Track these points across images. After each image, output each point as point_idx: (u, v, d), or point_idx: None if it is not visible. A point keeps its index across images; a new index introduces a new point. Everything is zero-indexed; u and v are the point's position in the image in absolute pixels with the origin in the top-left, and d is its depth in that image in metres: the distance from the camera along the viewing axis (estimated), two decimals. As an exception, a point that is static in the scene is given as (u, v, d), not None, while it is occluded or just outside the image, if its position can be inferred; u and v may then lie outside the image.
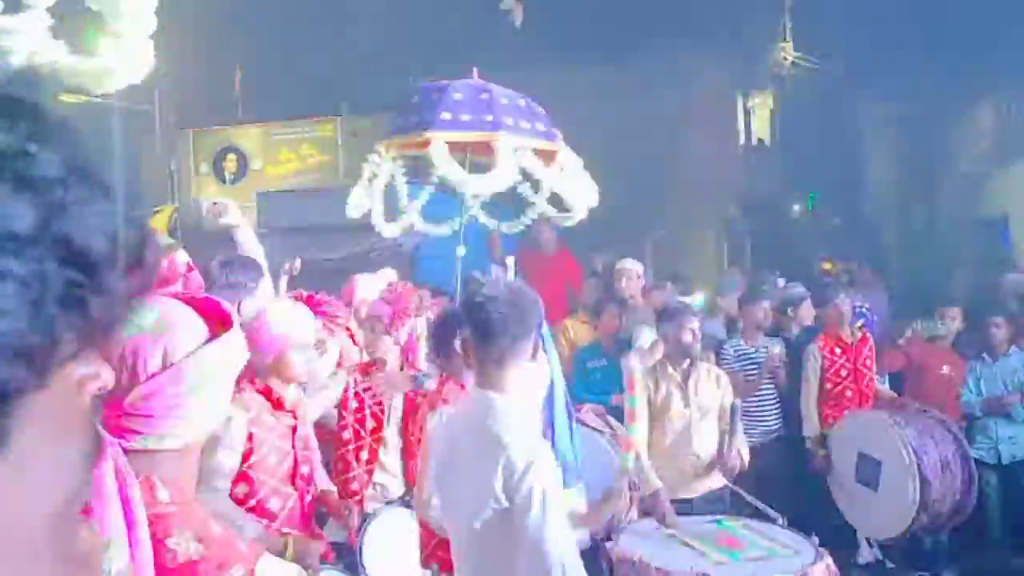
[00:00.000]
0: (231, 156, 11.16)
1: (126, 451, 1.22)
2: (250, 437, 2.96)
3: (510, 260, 4.79)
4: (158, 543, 1.18)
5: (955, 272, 10.33)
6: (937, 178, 13.58)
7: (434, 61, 4.86)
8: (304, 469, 3.16)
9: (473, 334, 2.29)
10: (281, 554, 2.93)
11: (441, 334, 3.45)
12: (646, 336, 5.14)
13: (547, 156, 4.61)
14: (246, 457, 2.95)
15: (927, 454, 4.73)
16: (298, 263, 4.64)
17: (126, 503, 1.13)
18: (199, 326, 1.29)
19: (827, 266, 13.05)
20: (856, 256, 11.99)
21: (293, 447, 3.09)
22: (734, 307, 6.79)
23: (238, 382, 3.04)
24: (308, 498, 3.16)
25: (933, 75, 10.81)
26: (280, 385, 3.06)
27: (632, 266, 6.35)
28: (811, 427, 5.54)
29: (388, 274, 4.65)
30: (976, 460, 5.32)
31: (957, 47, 9.97)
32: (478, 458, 2.17)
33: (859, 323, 5.82)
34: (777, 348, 5.79)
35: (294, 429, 3.10)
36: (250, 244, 4.06)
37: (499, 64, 6.73)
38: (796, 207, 16.31)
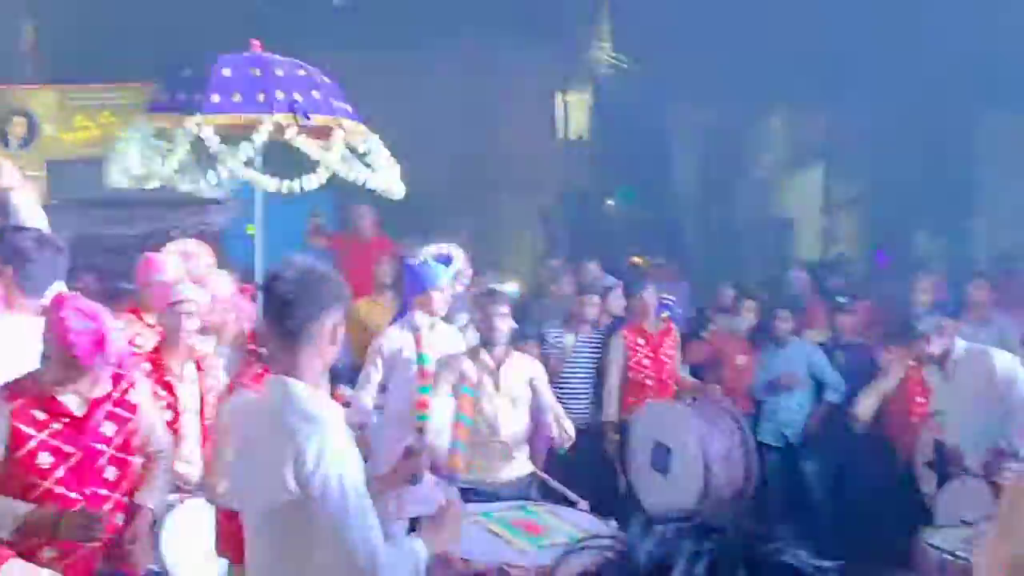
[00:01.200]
0: (18, 119, 10.22)
1: None
2: (15, 432, 2.74)
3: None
4: None
5: (749, 268, 11.04)
6: (735, 181, 14.47)
7: (247, 35, 4.62)
8: (110, 474, 2.91)
9: (265, 317, 2.21)
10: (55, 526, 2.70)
11: None
12: (462, 321, 5.19)
13: (323, 132, 4.38)
14: (11, 451, 2.75)
15: (711, 444, 5.02)
16: None
17: None
18: None
19: (636, 260, 13.60)
20: (662, 251, 12.56)
21: (82, 448, 2.84)
22: (563, 294, 6.94)
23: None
24: (108, 506, 2.90)
25: (733, 83, 11.49)
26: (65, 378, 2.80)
27: None
28: (610, 413, 5.77)
29: (191, 248, 4.35)
30: (762, 443, 5.73)
31: (754, 57, 10.66)
32: (270, 446, 2.07)
33: (664, 315, 6.11)
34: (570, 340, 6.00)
35: (83, 428, 2.85)
36: (28, 210, 3.65)
37: (314, 44, 6.55)
38: (610, 202, 16.88)
